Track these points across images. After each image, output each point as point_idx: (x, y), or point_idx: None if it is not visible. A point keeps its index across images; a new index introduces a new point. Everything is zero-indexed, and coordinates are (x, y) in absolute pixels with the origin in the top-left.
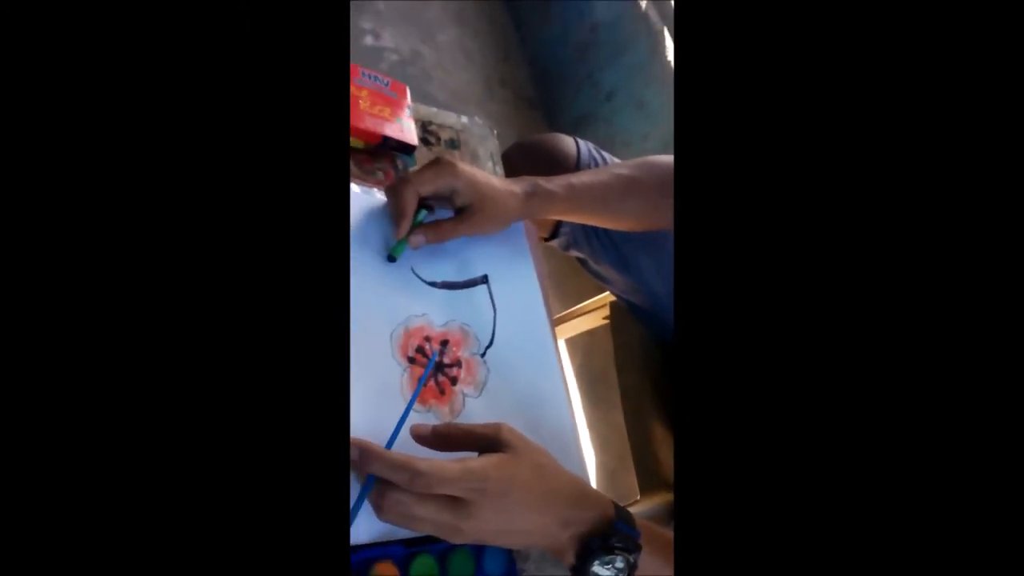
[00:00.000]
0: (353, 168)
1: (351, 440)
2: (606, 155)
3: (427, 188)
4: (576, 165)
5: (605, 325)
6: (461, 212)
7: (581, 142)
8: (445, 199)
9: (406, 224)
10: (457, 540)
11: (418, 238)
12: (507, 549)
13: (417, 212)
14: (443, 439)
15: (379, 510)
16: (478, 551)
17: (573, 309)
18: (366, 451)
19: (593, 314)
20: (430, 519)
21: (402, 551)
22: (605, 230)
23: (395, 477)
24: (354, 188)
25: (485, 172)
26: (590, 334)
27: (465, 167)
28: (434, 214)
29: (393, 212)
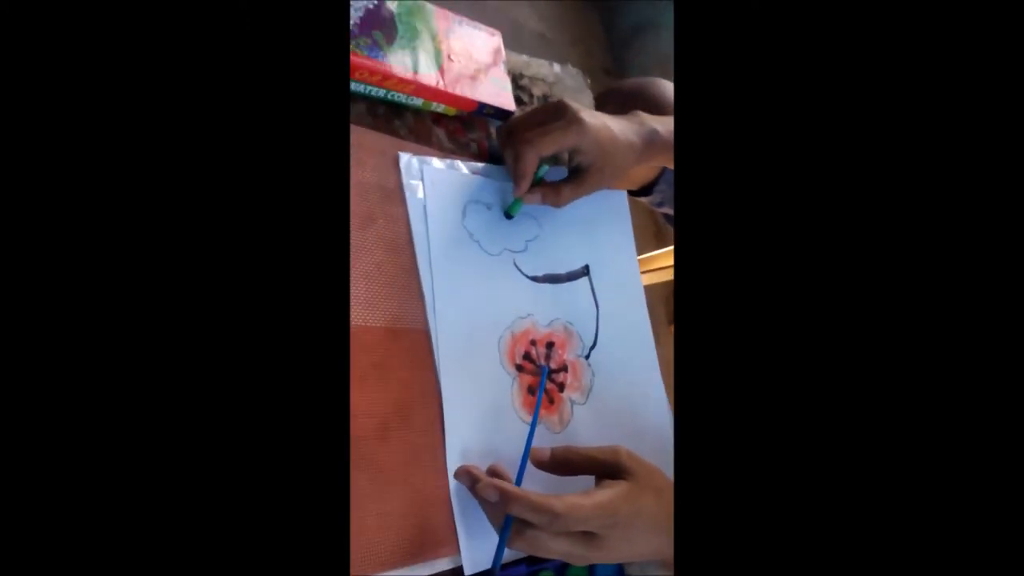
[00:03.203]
0: (445, 140)
1: (491, 482)
2: None
3: (551, 149)
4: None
5: (667, 283)
6: (579, 171)
7: None
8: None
9: (526, 184)
10: (583, 564)
11: (534, 196)
12: None
13: (538, 167)
14: (562, 465)
15: (512, 543)
16: None
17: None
18: (506, 494)
19: (659, 272)
20: (563, 552)
21: (525, 570)
22: None
23: (535, 519)
24: (451, 165)
25: (602, 119)
26: (648, 289)
27: (589, 120)
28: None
29: (513, 172)
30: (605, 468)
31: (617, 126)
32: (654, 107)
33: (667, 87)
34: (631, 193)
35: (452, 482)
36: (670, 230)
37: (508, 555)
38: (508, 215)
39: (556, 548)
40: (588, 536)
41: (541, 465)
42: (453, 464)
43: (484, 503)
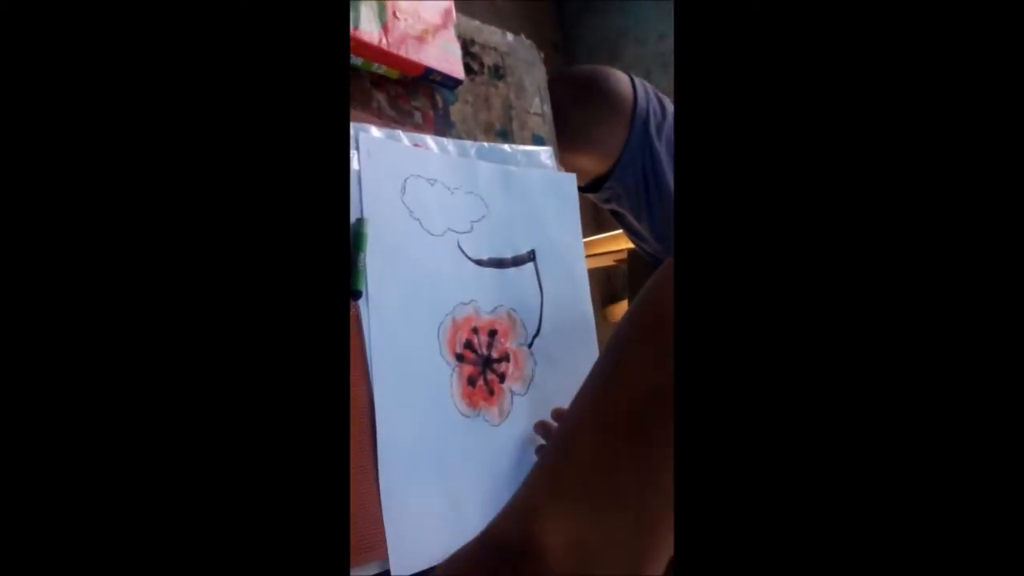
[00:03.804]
0: (386, 105)
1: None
2: (664, 99)
3: None
4: (632, 110)
5: (613, 268)
6: None
7: (637, 81)
8: None
9: None
10: None
11: None
12: None
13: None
14: None
15: None
16: None
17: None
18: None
19: (602, 257)
20: None
21: None
22: (661, 198)
23: None
24: (391, 135)
25: None
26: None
27: None
28: None
29: None
30: None
31: None
32: (605, 102)
33: (620, 80)
34: (578, 188)
35: (382, 481)
36: (609, 215)
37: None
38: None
39: None
40: None
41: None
42: (385, 461)
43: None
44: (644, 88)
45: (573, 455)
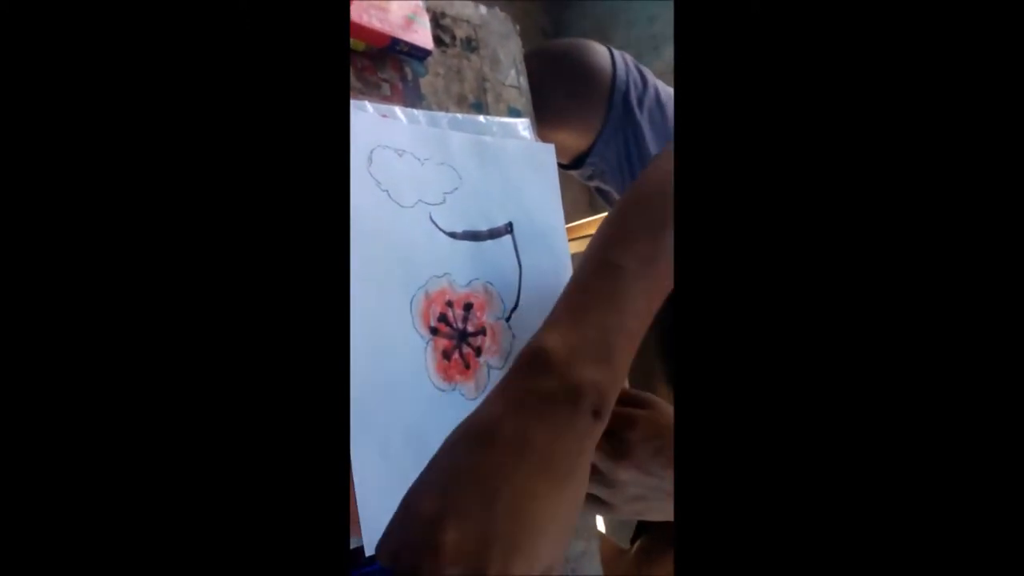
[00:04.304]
0: (353, 78)
1: None
2: (645, 71)
3: None
4: (612, 82)
5: None
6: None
7: (616, 53)
8: None
9: None
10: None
11: None
12: None
13: None
14: None
15: None
16: None
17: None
18: None
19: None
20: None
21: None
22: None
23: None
24: (356, 105)
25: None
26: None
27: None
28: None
29: None
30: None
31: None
32: (582, 75)
33: (597, 53)
34: (560, 166)
35: (355, 455)
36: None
37: None
38: None
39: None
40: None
41: None
42: (357, 438)
43: None
44: (624, 60)
45: (565, 297)
